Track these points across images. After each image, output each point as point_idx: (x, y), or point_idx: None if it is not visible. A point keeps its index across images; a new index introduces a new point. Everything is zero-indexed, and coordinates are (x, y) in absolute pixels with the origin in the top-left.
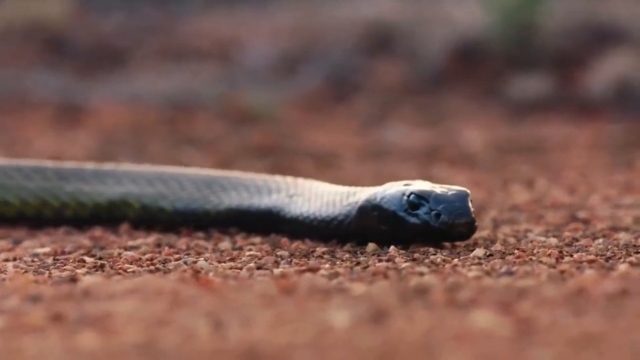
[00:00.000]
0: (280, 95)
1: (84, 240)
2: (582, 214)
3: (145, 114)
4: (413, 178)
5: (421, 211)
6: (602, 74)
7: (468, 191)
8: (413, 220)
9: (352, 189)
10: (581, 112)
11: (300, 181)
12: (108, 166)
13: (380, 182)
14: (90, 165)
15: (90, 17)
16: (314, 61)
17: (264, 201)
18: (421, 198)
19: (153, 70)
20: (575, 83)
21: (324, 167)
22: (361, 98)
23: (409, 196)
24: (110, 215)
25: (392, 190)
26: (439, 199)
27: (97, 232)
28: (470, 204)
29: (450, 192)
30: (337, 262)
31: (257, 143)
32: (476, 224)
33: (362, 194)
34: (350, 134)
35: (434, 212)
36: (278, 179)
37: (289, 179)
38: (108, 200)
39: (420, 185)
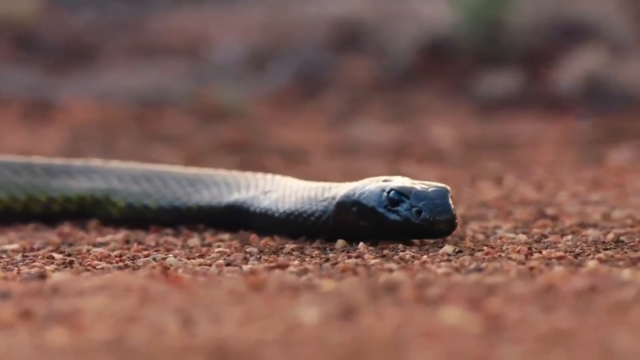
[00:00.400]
0: (249, 91)
1: (52, 236)
2: (550, 211)
3: (114, 111)
4: (382, 174)
5: (402, 208)
6: (570, 71)
7: (448, 188)
8: (393, 216)
9: (327, 184)
10: (550, 108)
11: (277, 177)
12: (96, 162)
13: (349, 178)
14: (78, 162)
15: (59, 14)
16: (283, 58)
17: (242, 197)
18: (402, 195)
19: (122, 66)
20: (543, 80)
21: (293, 163)
22: (330, 94)
23: (389, 192)
24: (98, 211)
25: (371, 186)
26: (419, 195)
27: (66, 228)
28: (450, 201)
29: (430, 189)
30: (306, 259)
31: (227, 139)
32: (457, 220)
33: (338, 189)
34: (319, 130)
35: (414, 209)
36: (252, 175)
37: (266, 176)
38: (92, 196)
39: (401, 182)
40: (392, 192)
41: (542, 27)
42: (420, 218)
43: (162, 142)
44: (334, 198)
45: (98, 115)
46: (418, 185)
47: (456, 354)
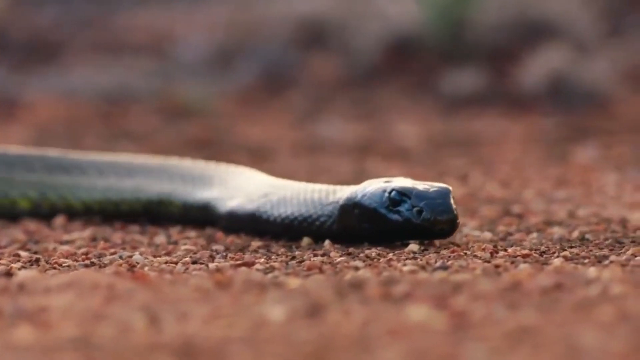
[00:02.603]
0: (215, 89)
1: (18, 234)
2: (516, 208)
3: (80, 108)
4: (348, 172)
5: (403, 208)
6: (534, 69)
7: (450, 188)
8: (395, 217)
9: (331, 187)
10: (514, 106)
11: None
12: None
13: (315, 176)
14: (140, 158)
15: (25, 11)
16: (249, 55)
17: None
18: (403, 195)
19: (88, 64)
20: (508, 77)
21: (259, 160)
22: (296, 92)
23: (390, 193)
24: (154, 211)
25: (372, 187)
26: (421, 195)
27: (32, 226)
28: (452, 201)
29: (432, 189)
30: (273, 257)
31: (193, 137)
32: (458, 220)
33: (342, 193)
34: (285, 127)
35: (415, 209)
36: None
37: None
38: (147, 197)
39: (402, 182)
40: (393, 193)
41: (507, 25)
42: (421, 218)
43: (128, 140)
44: (337, 202)
45: (64, 112)
46: (420, 185)
47: (422, 351)
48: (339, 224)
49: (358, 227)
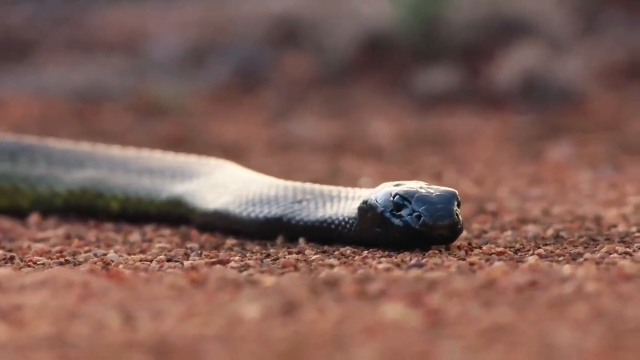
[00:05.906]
0: (188, 87)
1: None
2: (490, 206)
3: (53, 106)
4: (321, 170)
5: (404, 212)
6: (508, 67)
7: (455, 192)
8: (397, 222)
9: (356, 191)
10: (488, 104)
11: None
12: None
13: (288, 174)
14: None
15: None
16: (222, 54)
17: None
18: (404, 199)
19: (61, 62)
20: (481, 75)
21: (233, 158)
22: (269, 90)
23: (394, 197)
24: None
25: (382, 190)
26: (421, 200)
27: (6, 224)
28: (454, 206)
29: (434, 193)
30: (247, 254)
31: (166, 135)
32: (460, 226)
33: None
34: (258, 126)
35: (415, 214)
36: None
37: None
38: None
39: (408, 186)
40: (396, 197)
41: (480, 23)
42: (419, 223)
43: (102, 138)
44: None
45: (37, 110)
46: (424, 189)
47: (397, 349)
48: (357, 227)
49: (372, 230)
